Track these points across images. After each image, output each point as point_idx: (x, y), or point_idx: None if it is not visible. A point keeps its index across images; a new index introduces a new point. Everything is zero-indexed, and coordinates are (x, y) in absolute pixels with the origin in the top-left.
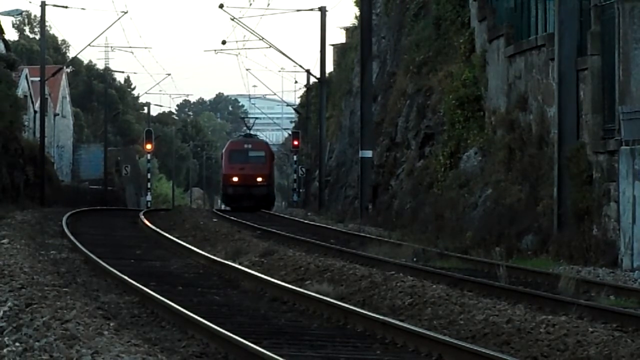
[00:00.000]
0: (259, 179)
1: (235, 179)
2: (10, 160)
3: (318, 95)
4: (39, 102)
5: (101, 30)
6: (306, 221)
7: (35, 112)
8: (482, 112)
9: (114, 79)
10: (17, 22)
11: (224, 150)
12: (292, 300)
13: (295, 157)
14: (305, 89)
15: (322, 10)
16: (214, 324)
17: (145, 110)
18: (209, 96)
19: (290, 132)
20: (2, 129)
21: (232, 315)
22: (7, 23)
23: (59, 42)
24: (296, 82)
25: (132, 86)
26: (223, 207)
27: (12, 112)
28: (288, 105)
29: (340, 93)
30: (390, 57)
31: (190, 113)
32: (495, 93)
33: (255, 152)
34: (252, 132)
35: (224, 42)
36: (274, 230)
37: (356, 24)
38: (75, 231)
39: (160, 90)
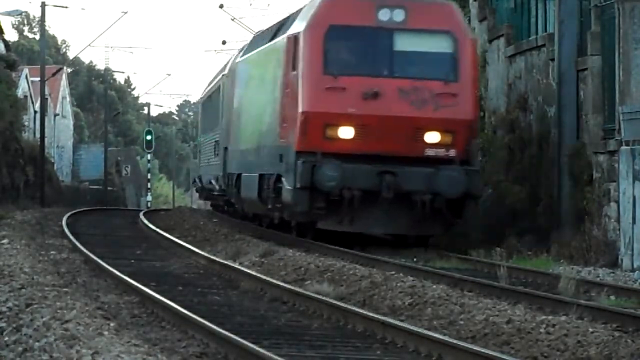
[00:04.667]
0: (442, 140)
1: (344, 134)
2: (10, 160)
3: None
4: (39, 102)
5: (101, 31)
6: None
7: (35, 112)
8: (482, 112)
9: (114, 79)
10: (17, 23)
11: (302, 33)
12: (292, 300)
13: None
14: None
15: None
16: (214, 324)
17: (145, 111)
18: None
19: None
20: (2, 129)
21: (232, 315)
22: (7, 23)
23: (59, 42)
24: None
25: (132, 86)
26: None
27: (12, 112)
28: None
29: None
30: None
31: (191, 113)
32: (495, 93)
33: (421, 39)
34: None
35: (224, 42)
36: (273, 231)
37: None
38: (75, 231)
39: (160, 91)
